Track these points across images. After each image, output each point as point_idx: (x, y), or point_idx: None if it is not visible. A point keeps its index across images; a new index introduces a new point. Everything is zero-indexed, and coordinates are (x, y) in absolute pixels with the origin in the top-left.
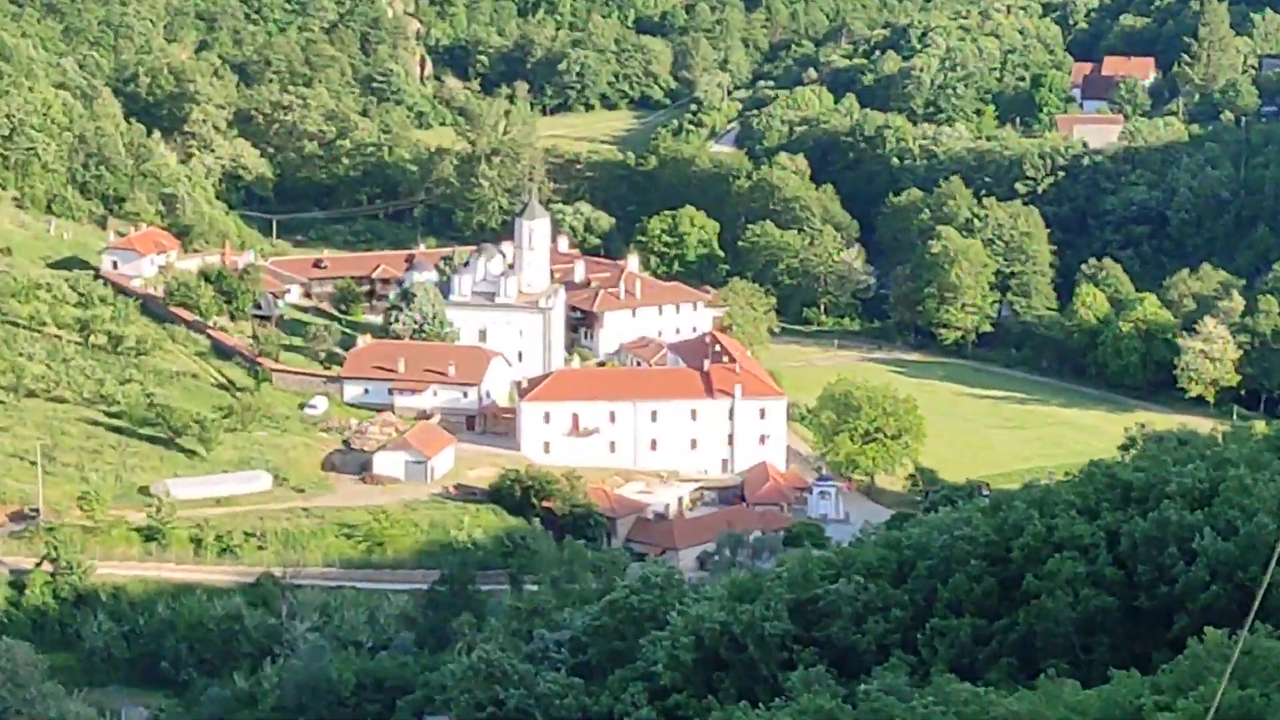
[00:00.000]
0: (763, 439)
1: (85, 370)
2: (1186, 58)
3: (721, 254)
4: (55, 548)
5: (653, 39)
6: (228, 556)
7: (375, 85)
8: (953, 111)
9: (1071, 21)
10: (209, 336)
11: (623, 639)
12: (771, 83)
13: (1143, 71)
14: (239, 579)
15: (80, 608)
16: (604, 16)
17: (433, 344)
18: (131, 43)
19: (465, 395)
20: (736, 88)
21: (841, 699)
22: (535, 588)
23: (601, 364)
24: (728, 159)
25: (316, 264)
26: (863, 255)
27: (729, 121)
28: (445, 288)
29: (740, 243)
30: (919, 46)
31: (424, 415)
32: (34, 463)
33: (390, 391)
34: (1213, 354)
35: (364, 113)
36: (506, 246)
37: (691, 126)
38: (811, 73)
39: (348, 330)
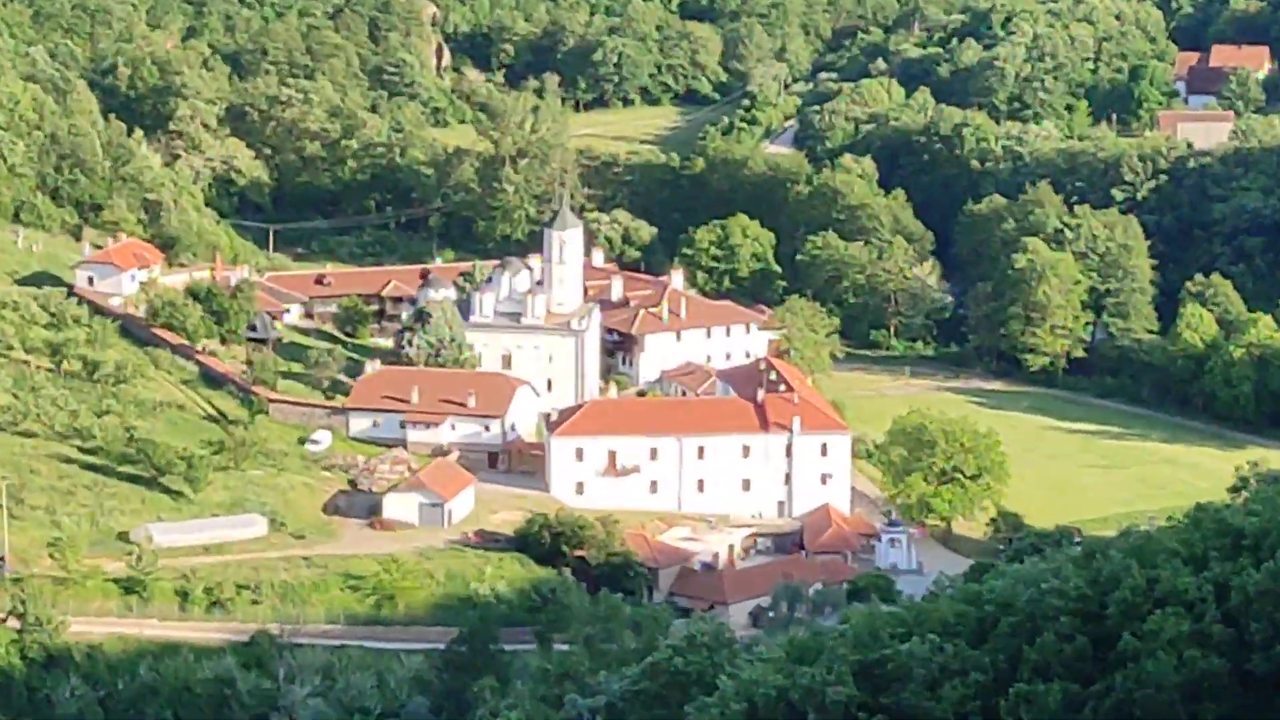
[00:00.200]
0: (824, 479)
1: (57, 400)
2: None
3: (778, 269)
4: (22, 601)
5: (700, 25)
6: (218, 611)
7: (386, 77)
8: (1040, 108)
9: (1175, 6)
10: (197, 362)
11: (666, 706)
12: (835, 75)
13: (1256, 62)
14: (230, 637)
15: (51, 669)
16: (645, 0)
17: (450, 371)
18: (110, 30)
19: (487, 429)
20: (795, 80)
21: None
22: (566, 647)
23: (642, 394)
24: (785, 161)
25: (319, 280)
26: (938, 271)
27: (786, 119)
28: (464, 307)
29: (799, 256)
30: (1002, 34)
31: (440, 452)
32: None
33: (402, 425)
34: None
35: (373, 109)
36: (534, 260)
37: (744, 124)
38: (880, 63)
39: (354, 355)
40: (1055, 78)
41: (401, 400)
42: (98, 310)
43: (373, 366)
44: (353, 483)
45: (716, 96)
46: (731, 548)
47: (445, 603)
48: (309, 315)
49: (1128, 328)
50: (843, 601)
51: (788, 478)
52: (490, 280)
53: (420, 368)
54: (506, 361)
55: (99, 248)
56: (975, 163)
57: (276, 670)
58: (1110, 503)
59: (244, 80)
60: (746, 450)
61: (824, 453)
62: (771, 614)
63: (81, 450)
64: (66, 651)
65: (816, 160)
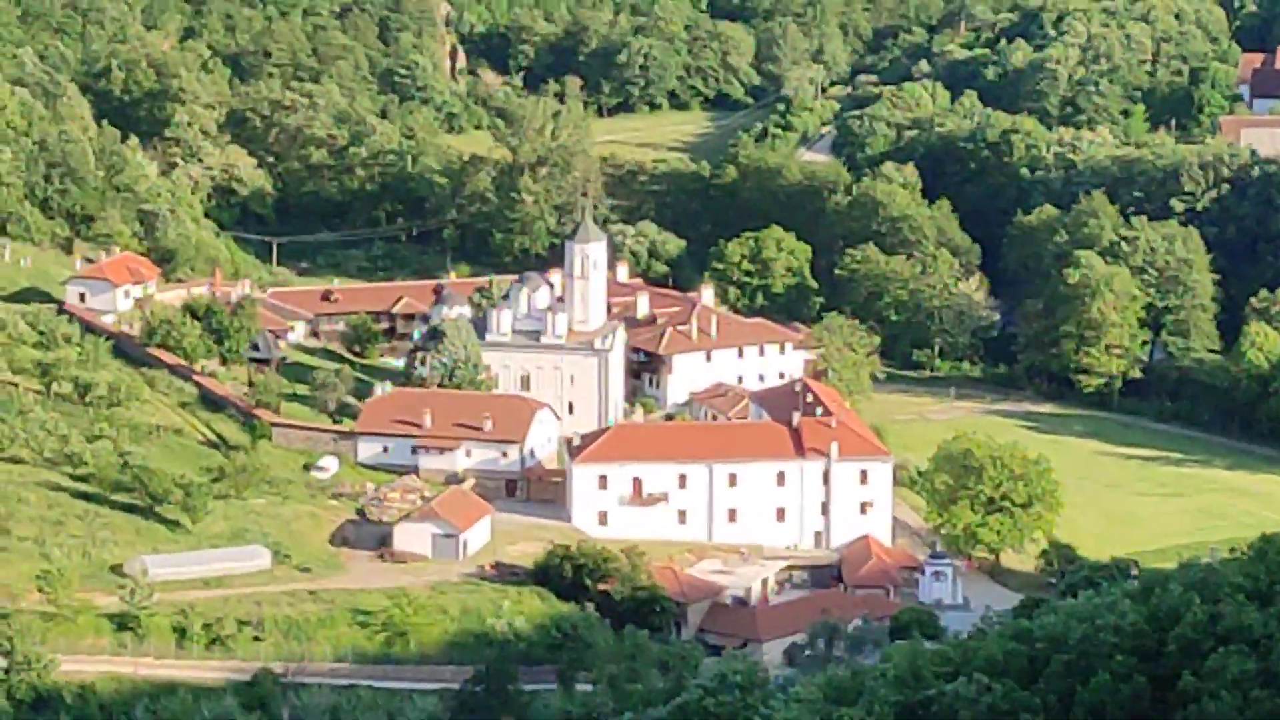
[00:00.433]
0: (864, 508)
1: (46, 425)
2: None
3: (814, 284)
4: (10, 639)
5: (732, 25)
6: (218, 649)
7: (397, 81)
8: (1095, 112)
9: (1239, 5)
10: (196, 384)
11: None
12: (875, 77)
13: None
14: (231, 676)
15: (40, 710)
16: None
17: (465, 393)
18: (103, 30)
19: (504, 455)
20: (833, 84)
21: None
22: (590, 687)
23: (669, 417)
24: (822, 169)
25: (325, 296)
26: (985, 286)
27: (823, 124)
28: (480, 325)
29: (837, 270)
30: (1054, 34)
31: (455, 479)
32: None
33: (414, 450)
34: None
35: (383, 114)
36: (554, 275)
37: (778, 130)
38: (924, 65)
39: (363, 376)
40: (1110, 81)
41: (413, 424)
42: (90, 329)
43: (383, 388)
44: (361, 512)
45: (749, 101)
46: (765, 581)
47: (460, 640)
48: (315, 334)
49: (1188, 347)
50: (884, 639)
51: (825, 507)
52: (508, 296)
53: (433, 390)
54: (525, 383)
55: (91, 262)
56: (1025, 171)
57: (280, 712)
58: (1169, 533)
59: (245, 84)
60: (781, 477)
61: (864, 480)
62: (808, 652)
63: (72, 478)
64: (56, 692)
65: (856, 168)
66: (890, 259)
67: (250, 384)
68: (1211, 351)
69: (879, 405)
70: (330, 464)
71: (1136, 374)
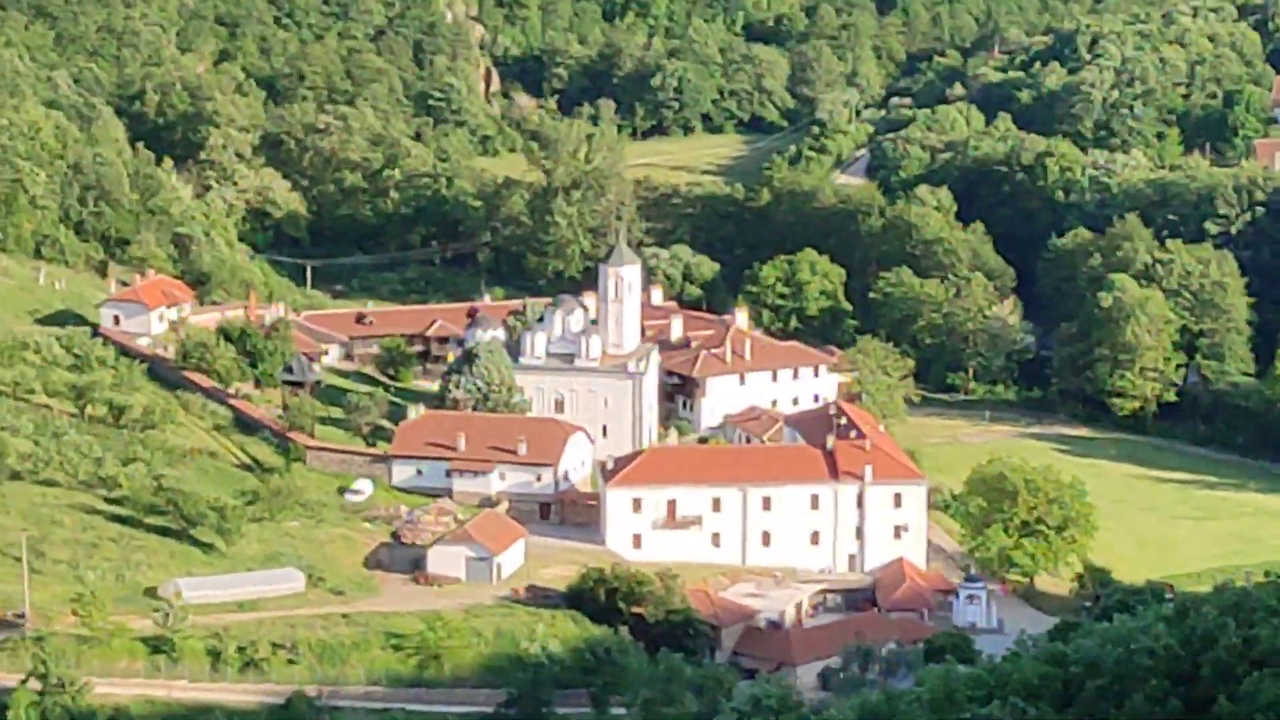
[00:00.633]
0: (898, 531)
1: (81, 447)
2: None
3: (848, 307)
4: (44, 661)
5: (766, 48)
6: (252, 672)
7: (431, 103)
8: (1129, 136)
9: (1273, 27)
10: (230, 407)
11: None
12: (909, 100)
13: None
14: (265, 699)
15: None
16: (707, 21)
17: (499, 416)
18: (138, 53)
19: (538, 478)
20: (867, 106)
21: None
22: (623, 711)
23: (703, 440)
24: (856, 192)
25: (359, 319)
26: (1019, 309)
27: (858, 147)
28: (514, 348)
29: (871, 294)
30: (1088, 57)
31: (489, 502)
32: (19, 559)
33: (448, 473)
34: None
35: (417, 136)
36: (588, 298)
37: (813, 153)
38: (958, 88)
39: (397, 399)
40: (1145, 103)
41: (447, 447)
42: (124, 351)
43: (416, 411)
44: (395, 535)
45: (783, 124)
46: (799, 605)
47: (494, 663)
48: (349, 357)
49: (1223, 370)
50: (918, 662)
51: (859, 530)
52: (542, 319)
53: (467, 413)
54: (559, 406)
55: (125, 285)
56: (1059, 194)
57: None
58: (1204, 557)
59: (280, 107)
60: (815, 500)
61: (898, 503)
62: (842, 675)
63: (107, 500)
64: (90, 715)
65: (890, 191)
66: (924, 282)
67: (284, 407)
68: (1246, 375)
69: (913, 428)
70: (364, 487)
71: (1171, 397)
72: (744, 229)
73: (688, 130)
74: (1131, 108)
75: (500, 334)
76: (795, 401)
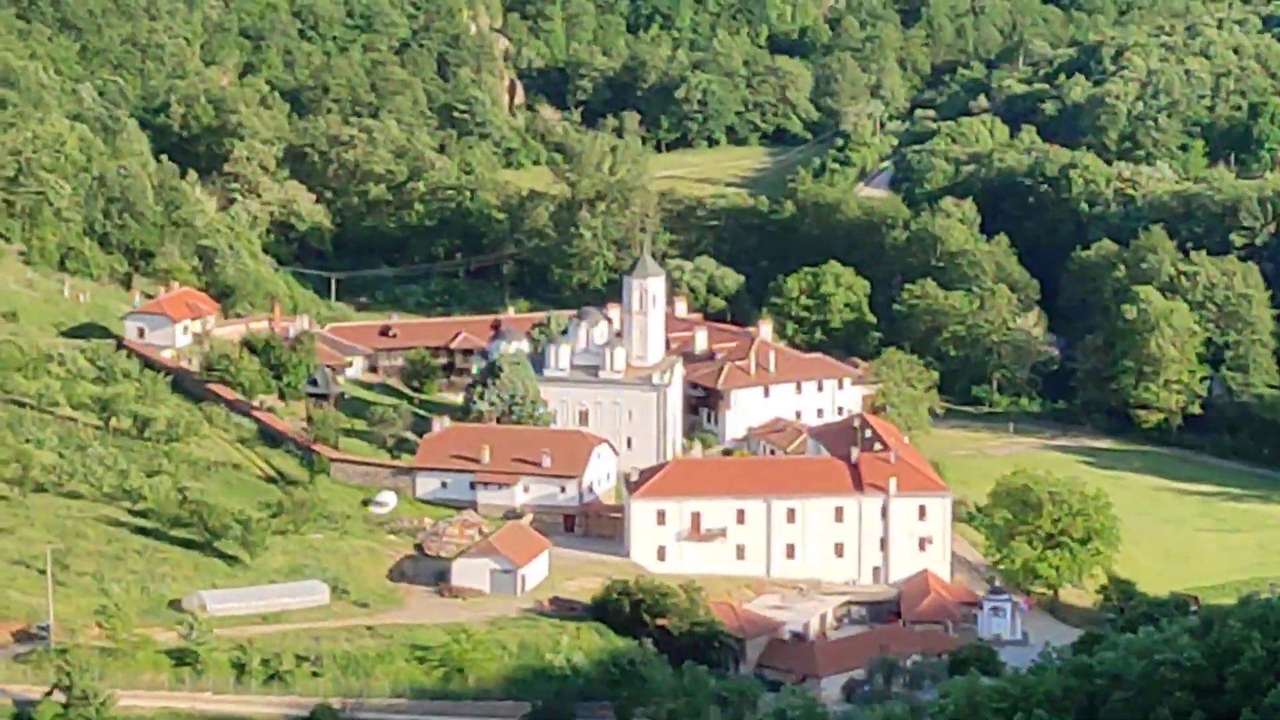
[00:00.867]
0: (923, 543)
1: (105, 460)
2: None
3: (873, 319)
4: (68, 673)
5: (790, 60)
6: (276, 684)
7: (455, 116)
8: (1153, 148)
9: None
10: (254, 419)
11: None
12: (933, 112)
13: None
14: (289, 712)
15: None
16: (731, 33)
17: (524, 428)
18: (162, 65)
19: (563, 490)
20: (891, 118)
21: None
22: None
23: (728, 452)
24: (880, 204)
25: (384, 331)
26: (1044, 321)
27: (882, 159)
28: (539, 360)
29: (896, 306)
30: (1112, 69)
31: (513, 514)
32: (43, 571)
33: (472, 485)
34: None
35: (441, 149)
36: (613, 311)
37: (837, 165)
38: (982, 100)
39: (421, 412)
40: (1169, 116)
41: (471, 460)
42: (148, 364)
43: (441, 424)
44: (419, 547)
45: (807, 136)
46: (824, 617)
47: (518, 675)
48: (373, 369)
49: (1247, 382)
50: (942, 674)
51: (883, 542)
52: (566, 332)
53: (491, 425)
54: (583, 418)
55: (150, 297)
56: (1084, 206)
57: None
58: (1229, 569)
59: (304, 119)
60: (840, 513)
61: (922, 515)
62: (866, 687)
63: (131, 513)
64: None
65: (914, 203)
66: (949, 294)
67: (309, 419)
68: (1271, 387)
69: (937, 440)
70: (389, 499)
71: (1196, 409)
72: (768, 241)
73: (712, 142)
74: (1156, 120)
75: (524, 346)
76: (819, 414)
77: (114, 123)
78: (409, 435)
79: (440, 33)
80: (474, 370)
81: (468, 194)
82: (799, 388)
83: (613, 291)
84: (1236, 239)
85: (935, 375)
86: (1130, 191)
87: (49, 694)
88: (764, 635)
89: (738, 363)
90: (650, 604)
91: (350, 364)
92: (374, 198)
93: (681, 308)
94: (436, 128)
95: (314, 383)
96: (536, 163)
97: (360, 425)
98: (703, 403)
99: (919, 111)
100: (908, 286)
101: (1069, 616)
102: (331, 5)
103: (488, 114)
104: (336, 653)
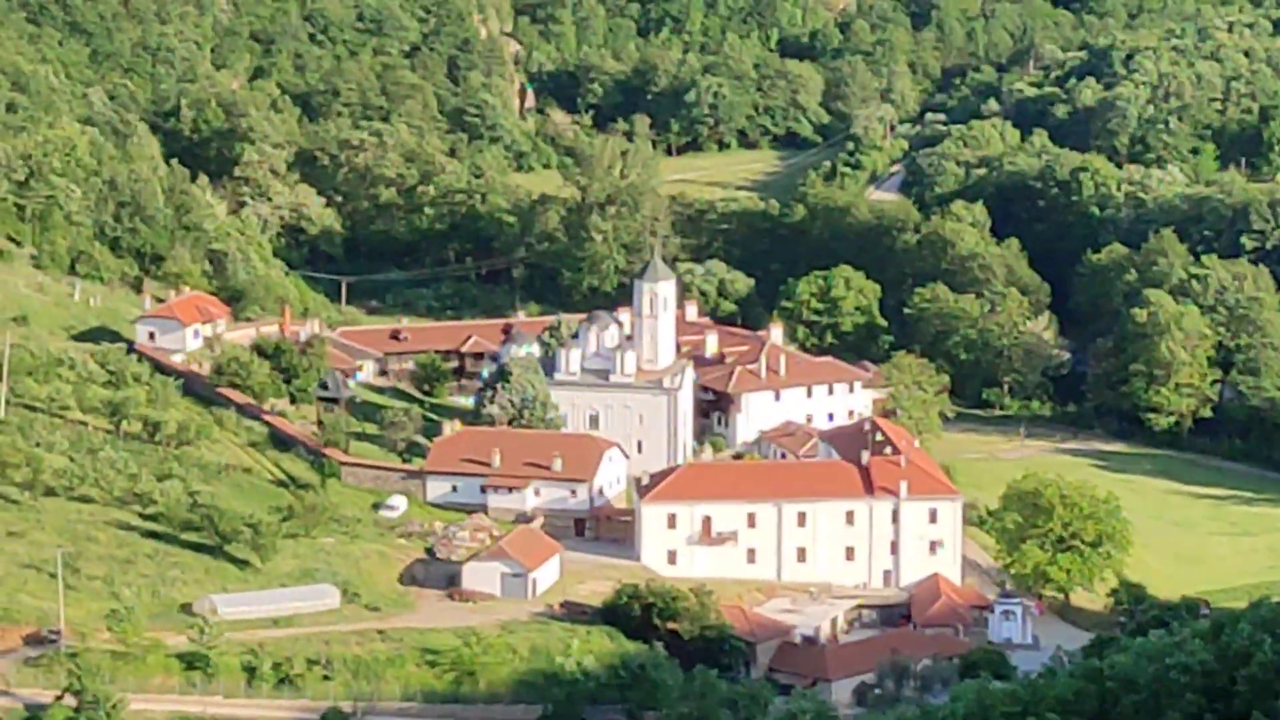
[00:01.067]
0: (933, 547)
1: (115, 464)
2: None
3: (883, 323)
4: (79, 677)
5: (800, 64)
6: (286, 689)
7: (466, 120)
8: (1164, 151)
9: None
10: (265, 423)
11: None
12: (944, 116)
13: None
14: (300, 715)
15: None
16: (741, 37)
17: (534, 432)
18: (172, 69)
19: (573, 494)
20: (901, 122)
21: None
22: None
23: (738, 456)
24: (891, 208)
25: (394, 335)
26: (1054, 325)
27: (892, 163)
28: (549, 364)
29: (906, 309)
30: (1123, 72)
31: (524, 518)
32: (54, 575)
33: (483, 489)
34: None
35: (452, 152)
36: (623, 314)
37: (847, 169)
38: (993, 104)
39: (432, 415)
40: (1180, 119)
41: (482, 463)
42: (159, 368)
43: (451, 427)
44: (430, 551)
45: (818, 139)
46: (834, 620)
47: (529, 679)
48: (384, 373)
49: (1258, 386)
50: (953, 678)
51: (894, 546)
52: (577, 335)
53: (502, 429)
54: (594, 422)
55: (160, 301)
56: (1095, 210)
57: None
58: (1240, 573)
59: (314, 123)
60: (850, 516)
61: (933, 519)
62: (877, 691)
63: (142, 516)
64: None
65: (925, 207)
66: (959, 298)
67: (319, 423)
68: None
69: (948, 444)
70: (399, 503)
71: (1207, 413)
72: (779, 245)
73: (722, 146)
74: (1167, 123)
75: (535, 350)
76: (830, 417)
77: (124, 126)
78: (419, 439)
79: (450, 37)
80: (484, 374)
81: (478, 198)
82: (809, 391)
83: (623, 295)
84: (1247, 242)
85: (946, 379)
86: (1141, 195)
87: (60, 698)
88: (775, 639)
89: (748, 366)
90: (661, 608)
91: (361, 368)
92: (384, 201)
93: (692, 311)
94: (447, 131)
95: (324, 386)
96: (547, 166)
97: (371, 429)
98: (713, 406)
99: (929, 115)
100: (918, 290)
101: (1080, 620)
102: (342, 9)
103: (498, 118)
104: (347, 656)
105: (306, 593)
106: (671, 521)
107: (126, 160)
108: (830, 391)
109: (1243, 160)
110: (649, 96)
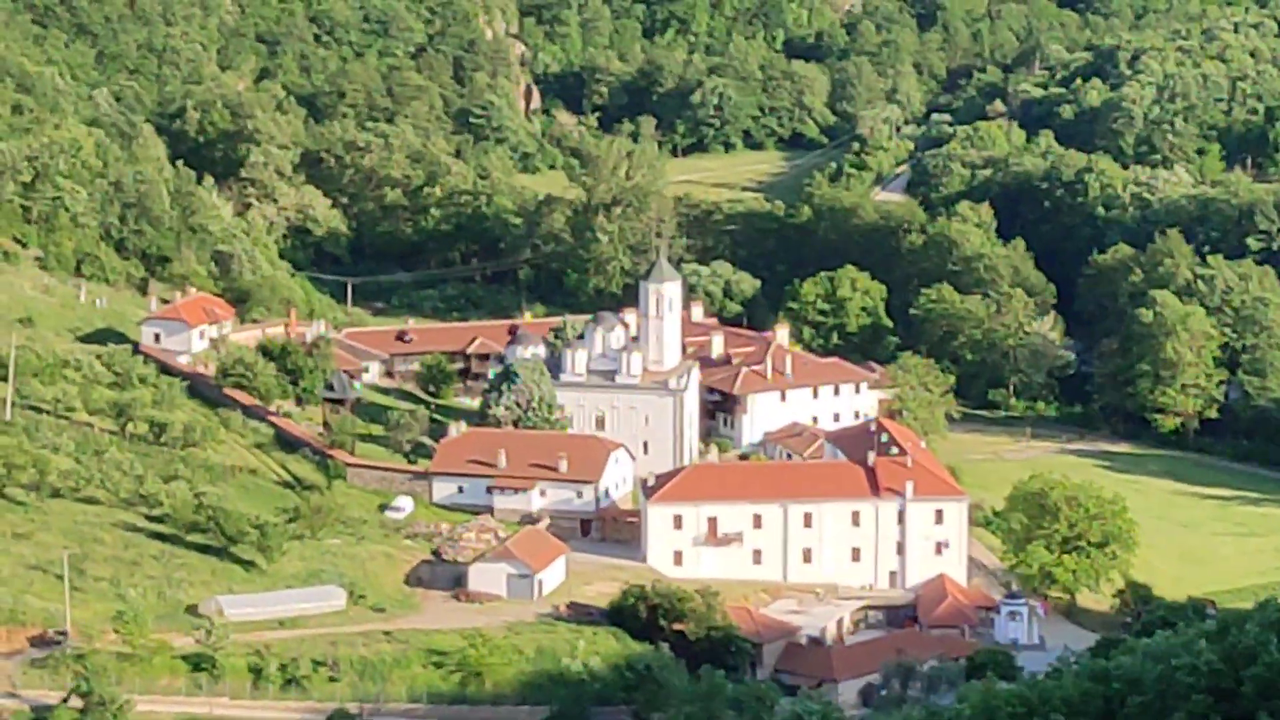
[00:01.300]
0: (939, 548)
1: (122, 465)
2: None
3: (889, 324)
4: (86, 679)
5: (806, 65)
6: (293, 690)
7: (471, 121)
8: (1170, 152)
9: None
10: (271, 424)
11: None
12: (949, 117)
13: None
14: (307, 716)
15: None
16: (747, 38)
17: (540, 433)
18: (178, 70)
19: (579, 495)
20: (907, 123)
21: None
22: None
23: (744, 457)
24: (897, 209)
25: (400, 336)
26: (1060, 325)
27: (898, 164)
28: (555, 365)
29: (912, 310)
30: (1129, 73)
31: (530, 519)
32: (60, 576)
33: (489, 490)
34: None
35: (457, 154)
36: (629, 315)
37: (853, 170)
38: (998, 105)
39: (438, 416)
40: (1186, 120)
41: (488, 464)
42: (165, 369)
43: (457, 428)
44: (436, 552)
45: (824, 140)
46: (840, 621)
47: (535, 680)
48: (389, 374)
49: (1265, 386)
50: (959, 679)
51: (900, 546)
52: (583, 336)
53: (508, 430)
54: (600, 423)
55: (166, 302)
56: (1100, 210)
57: None
58: (1246, 573)
59: (320, 124)
60: (856, 517)
61: (939, 520)
62: (883, 692)
63: (148, 518)
64: None
65: (930, 208)
66: (965, 298)
67: (325, 424)
68: None
69: (954, 445)
70: (405, 504)
71: (1213, 413)
72: (785, 246)
73: (728, 147)
74: (1173, 124)
75: (541, 351)
76: (836, 418)
77: (130, 128)
78: (425, 440)
79: (456, 38)
80: (490, 375)
81: (484, 199)
82: (815, 392)
83: (629, 296)
84: (1253, 243)
85: (952, 379)
86: (1147, 195)
87: (66, 699)
88: (781, 640)
89: (754, 367)
90: (667, 609)
91: (367, 369)
92: (390, 203)
93: (698, 312)
94: (452, 133)
95: (330, 388)
96: (553, 167)
97: (377, 430)
98: (719, 407)
99: (935, 116)
100: (924, 291)
101: (1086, 621)
102: (348, 10)
103: (504, 119)
104: (353, 658)
105: (312, 594)
106: (677, 522)
107: (132, 162)
108: (836, 392)
109: (1248, 161)
110: (654, 98)
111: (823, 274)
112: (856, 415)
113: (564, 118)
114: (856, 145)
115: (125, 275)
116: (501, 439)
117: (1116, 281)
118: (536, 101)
